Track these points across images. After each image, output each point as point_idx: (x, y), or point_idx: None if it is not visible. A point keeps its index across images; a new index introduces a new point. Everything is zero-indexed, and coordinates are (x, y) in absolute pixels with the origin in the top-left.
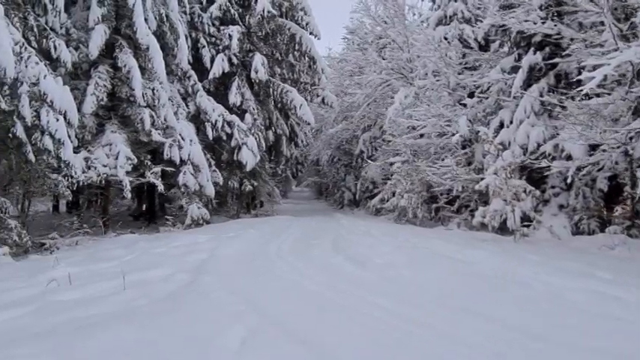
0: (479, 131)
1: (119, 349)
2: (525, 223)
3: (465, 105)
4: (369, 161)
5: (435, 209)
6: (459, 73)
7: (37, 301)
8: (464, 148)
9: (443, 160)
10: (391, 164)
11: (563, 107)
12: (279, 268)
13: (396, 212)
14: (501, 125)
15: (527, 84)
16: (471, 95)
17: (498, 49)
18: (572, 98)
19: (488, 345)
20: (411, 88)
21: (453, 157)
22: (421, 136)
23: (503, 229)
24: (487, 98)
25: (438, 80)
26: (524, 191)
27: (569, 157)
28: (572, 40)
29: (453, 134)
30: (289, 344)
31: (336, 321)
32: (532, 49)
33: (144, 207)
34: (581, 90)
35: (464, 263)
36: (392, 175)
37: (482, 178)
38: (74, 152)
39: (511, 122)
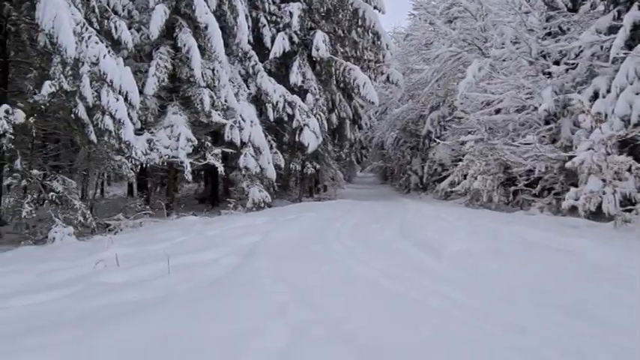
0: (566, 104)
1: (131, 345)
2: (626, 207)
3: (549, 75)
4: (437, 141)
5: (512, 192)
6: (542, 39)
7: (80, 283)
8: (547, 123)
9: (523, 137)
10: (463, 144)
11: None
12: (337, 252)
13: (468, 196)
14: (595, 95)
15: (629, 45)
16: (557, 63)
17: (589, 11)
18: None
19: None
20: (486, 59)
21: (535, 133)
22: (497, 111)
23: (596, 214)
24: (576, 66)
25: (517, 48)
26: (629, 169)
27: None
28: None
29: (536, 108)
30: (335, 345)
31: (396, 317)
32: (636, 3)
33: (209, 190)
34: None
35: (561, 252)
36: (463, 156)
37: (570, 157)
38: (138, 134)
39: (608, 91)
